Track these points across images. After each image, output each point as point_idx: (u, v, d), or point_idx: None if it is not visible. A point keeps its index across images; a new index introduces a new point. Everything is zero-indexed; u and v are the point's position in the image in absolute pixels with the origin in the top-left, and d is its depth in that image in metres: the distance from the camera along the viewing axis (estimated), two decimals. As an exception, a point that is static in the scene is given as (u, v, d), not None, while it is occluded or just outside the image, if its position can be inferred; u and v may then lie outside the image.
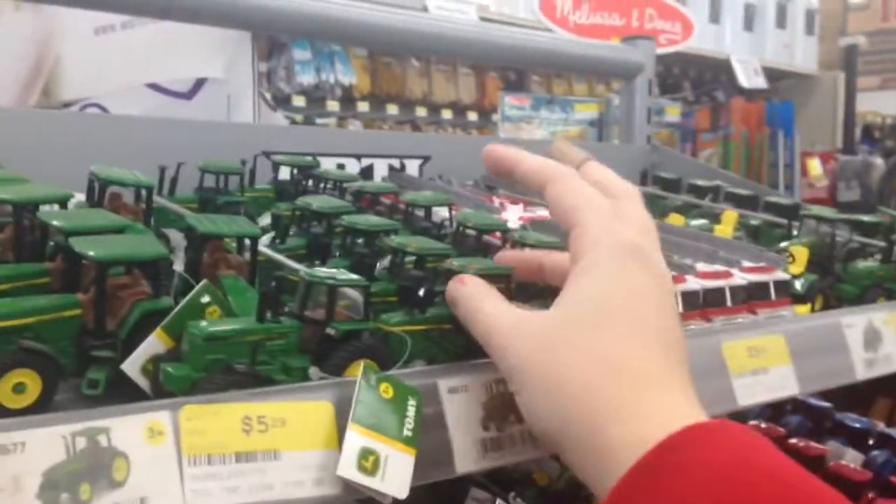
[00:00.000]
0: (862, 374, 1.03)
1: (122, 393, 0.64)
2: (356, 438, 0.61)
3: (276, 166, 1.22)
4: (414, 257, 0.82)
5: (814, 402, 1.54)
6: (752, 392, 0.91)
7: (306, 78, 4.75)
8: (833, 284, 1.21)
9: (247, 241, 0.78)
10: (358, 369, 0.65)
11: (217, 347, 0.64)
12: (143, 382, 0.65)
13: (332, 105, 4.89)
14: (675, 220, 1.39)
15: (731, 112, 4.78)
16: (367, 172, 1.47)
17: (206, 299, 0.68)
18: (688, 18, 5.02)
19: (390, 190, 1.13)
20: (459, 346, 0.74)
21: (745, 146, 4.67)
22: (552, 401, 0.63)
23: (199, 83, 2.49)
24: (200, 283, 0.69)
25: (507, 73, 5.71)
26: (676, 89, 6.02)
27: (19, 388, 0.60)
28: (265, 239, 0.92)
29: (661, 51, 4.34)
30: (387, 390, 0.65)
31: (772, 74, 5.63)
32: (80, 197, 0.90)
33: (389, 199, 1.12)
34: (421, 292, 0.75)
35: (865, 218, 1.32)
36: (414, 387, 0.67)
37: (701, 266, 1.02)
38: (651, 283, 0.66)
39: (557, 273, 0.74)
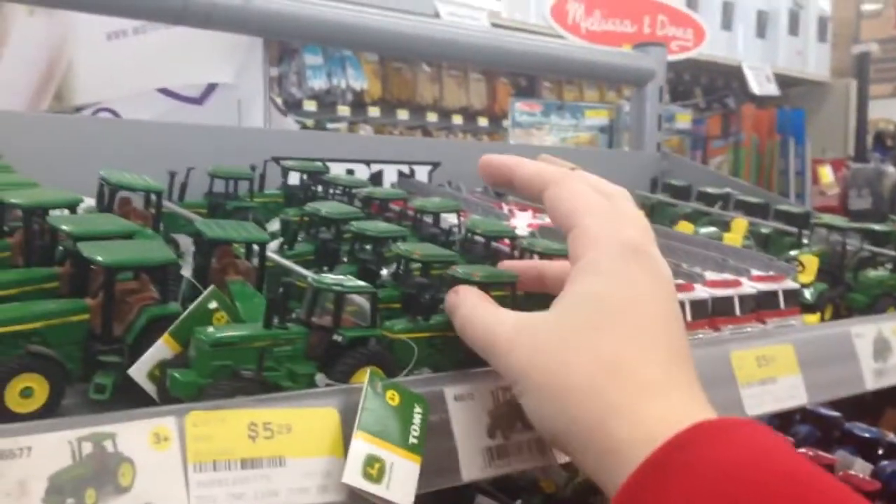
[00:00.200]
0: (871, 384, 1.03)
1: (129, 398, 0.64)
2: (362, 445, 0.61)
3: (285, 171, 1.22)
4: (419, 264, 0.81)
5: (823, 411, 1.54)
6: (760, 402, 0.91)
7: (317, 83, 4.76)
8: (843, 294, 1.20)
9: (255, 247, 0.78)
10: (364, 376, 0.65)
11: (224, 353, 0.64)
12: (150, 388, 0.65)
13: (343, 110, 4.90)
14: (685, 227, 1.39)
15: (741, 119, 4.77)
16: (376, 178, 1.47)
17: (213, 305, 0.68)
18: (700, 25, 5.02)
19: (399, 196, 1.13)
20: (463, 353, 0.74)
21: (756, 153, 4.66)
22: (557, 404, 0.62)
23: (211, 88, 2.50)
24: (208, 289, 0.69)
25: (518, 79, 5.71)
26: (688, 96, 6.01)
27: (27, 393, 0.60)
28: (274, 244, 0.92)
29: (672, 57, 4.34)
30: (393, 397, 0.65)
31: (784, 81, 5.62)
32: (91, 201, 0.90)
33: (398, 206, 1.12)
34: (425, 300, 0.75)
35: (876, 227, 1.32)
36: (420, 394, 0.67)
37: (709, 274, 1.01)
38: (652, 282, 0.66)
39: (558, 282, 0.74)
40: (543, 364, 0.63)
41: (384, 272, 0.85)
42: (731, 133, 4.79)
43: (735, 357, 0.91)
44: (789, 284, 1.05)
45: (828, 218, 1.35)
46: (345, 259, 0.90)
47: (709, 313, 0.95)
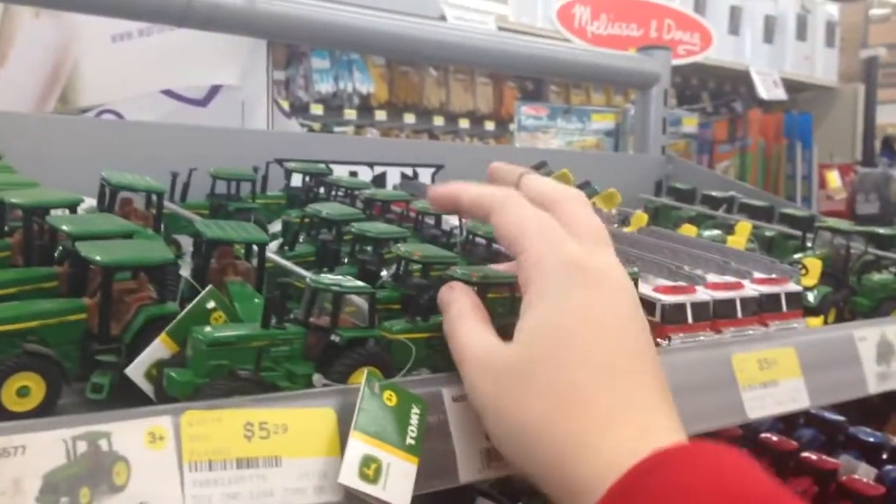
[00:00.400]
0: (874, 387, 1.02)
1: (126, 398, 0.64)
2: (358, 446, 0.61)
3: (288, 173, 1.22)
4: (419, 265, 0.81)
5: (827, 415, 1.53)
6: (761, 405, 0.91)
7: (324, 86, 4.77)
8: (847, 297, 1.20)
9: (254, 248, 0.78)
10: (362, 376, 0.65)
11: (221, 353, 0.64)
12: (147, 387, 0.65)
13: (350, 113, 4.91)
14: (688, 230, 1.39)
15: (748, 123, 4.76)
16: (379, 180, 1.47)
17: (211, 305, 0.68)
18: (707, 29, 5.01)
19: (401, 198, 1.13)
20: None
21: (763, 158, 4.65)
22: (517, 441, 0.62)
23: (214, 90, 2.50)
24: (206, 289, 0.69)
25: (524, 83, 5.71)
26: (695, 100, 6.00)
27: (23, 392, 0.61)
28: (274, 245, 0.92)
29: (679, 62, 4.34)
30: (390, 398, 0.64)
31: (791, 86, 5.61)
32: (93, 202, 0.90)
33: (400, 207, 1.12)
34: (424, 300, 0.75)
35: (881, 230, 1.31)
36: (418, 395, 0.66)
37: (711, 277, 1.01)
38: (605, 302, 0.64)
39: None
40: (503, 400, 0.63)
41: (384, 273, 0.85)
42: (737, 137, 4.78)
43: (736, 360, 0.90)
44: (792, 287, 1.04)
45: (832, 221, 1.35)
46: (345, 260, 0.90)
47: (710, 316, 0.95)
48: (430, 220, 1.05)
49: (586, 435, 0.59)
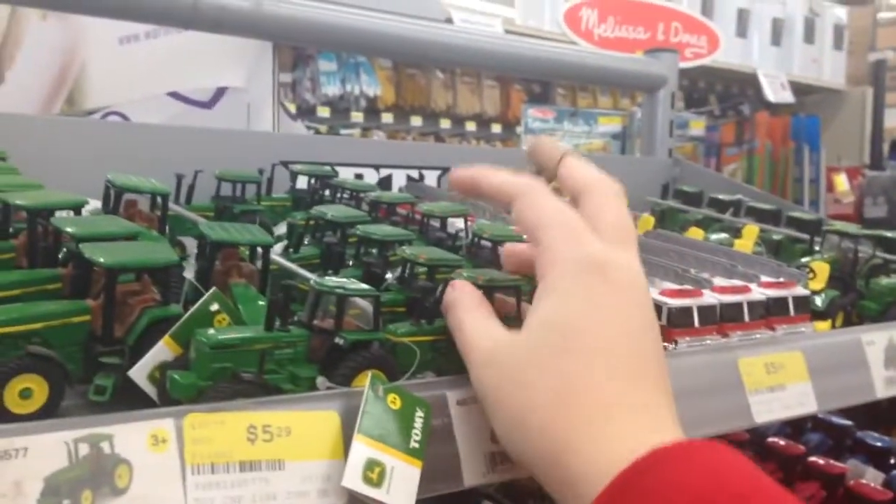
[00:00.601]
0: (882, 392, 1.01)
1: (129, 400, 0.63)
2: (362, 449, 0.61)
3: (293, 176, 1.22)
4: (425, 268, 0.81)
5: (835, 419, 1.52)
6: (768, 409, 0.90)
7: (331, 89, 4.77)
8: (855, 301, 1.19)
9: (259, 250, 0.78)
10: (366, 380, 0.64)
11: (224, 356, 0.63)
12: (151, 389, 0.65)
13: (357, 116, 4.91)
14: (695, 233, 1.38)
15: (756, 126, 4.75)
16: (385, 183, 1.46)
17: (214, 307, 0.68)
18: (714, 32, 5.00)
19: (407, 200, 1.13)
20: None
21: (770, 161, 4.64)
22: (517, 432, 0.62)
23: (220, 92, 2.50)
24: (209, 291, 0.69)
25: (531, 86, 5.71)
26: (702, 103, 5.99)
27: (26, 394, 0.60)
28: (278, 247, 0.91)
29: (686, 64, 4.33)
30: (394, 401, 0.64)
31: (799, 89, 5.59)
32: (98, 204, 0.90)
33: (406, 210, 1.11)
34: (429, 303, 0.74)
35: (889, 234, 1.31)
36: (422, 398, 0.66)
37: (718, 280, 1.00)
38: (615, 298, 0.63)
39: None
40: (507, 391, 0.63)
41: (389, 276, 0.84)
42: (745, 140, 4.77)
43: (743, 364, 0.90)
44: (800, 291, 1.04)
45: (839, 225, 1.34)
46: (350, 262, 0.89)
47: (717, 319, 0.94)
48: (436, 223, 1.05)
49: (587, 430, 0.59)
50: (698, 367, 0.87)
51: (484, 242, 0.96)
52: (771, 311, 1.00)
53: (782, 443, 1.40)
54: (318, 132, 4.39)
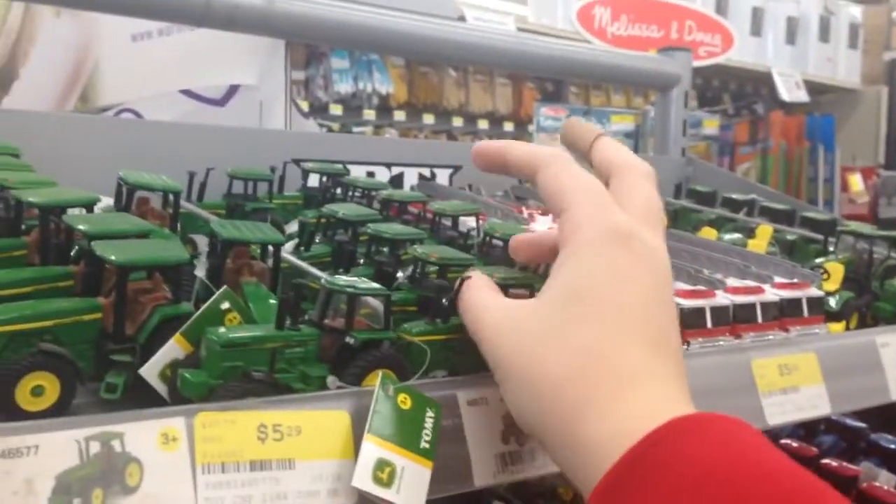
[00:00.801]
0: (897, 394, 1.01)
1: (140, 398, 0.63)
2: (372, 449, 0.60)
3: (305, 174, 1.22)
4: (436, 267, 0.81)
5: (848, 421, 1.51)
6: (782, 411, 0.89)
7: (344, 87, 4.78)
8: (869, 302, 1.18)
9: (270, 248, 0.78)
10: (376, 379, 0.64)
11: (235, 354, 0.63)
12: (161, 388, 0.65)
13: (369, 114, 4.91)
14: (708, 233, 1.37)
15: (770, 125, 4.73)
16: (396, 181, 1.46)
17: (225, 305, 0.68)
18: (728, 31, 4.98)
19: (418, 199, 1.13)
20: (480, 356, 0.73)
21: (784, 160, 4.62)
22: (533, 395, 0.60)
23: (233, 90, 2.50)
24: (220, 290, 0.69)
25: (544, 84, 5.70)
26: (716, 102, 5.97)
27: (37, 391, 0.60)
28: (289, 246, 0.91)
29: (700, 63, 4.32)
30: (405, 401, 0.64)
31: (814, 88, 5.57)
32: (110, 201, 0.90)
33: (417, 208, 1.11)
34: (446, 300, 0.74)
35: (904, 235, 1.30)
36: (433, 398, 0.66)
37: (732, 281, 1.00)
38: (638, 270, 0.62)
39: None
40: (522, 353, 0.62)
41: (400, 275, 0.84)
42: (759, 139, 4.75)
43: (756, 365, 0.89)
44: (814, 292, 1.03)
45: (854, 225, 1.33)
46: (361, 261, 0.89)
47: (730, 320, 0.94)
48: (448, 222, 1.04)
49: (602, 398, 0.58)
50: (711, 369, 0.86)
51: (495, 241, 0.96)
52: (784, 313, 0.99)
53: (795, 445, 1.40)
54: (330, 130, 4.39)
